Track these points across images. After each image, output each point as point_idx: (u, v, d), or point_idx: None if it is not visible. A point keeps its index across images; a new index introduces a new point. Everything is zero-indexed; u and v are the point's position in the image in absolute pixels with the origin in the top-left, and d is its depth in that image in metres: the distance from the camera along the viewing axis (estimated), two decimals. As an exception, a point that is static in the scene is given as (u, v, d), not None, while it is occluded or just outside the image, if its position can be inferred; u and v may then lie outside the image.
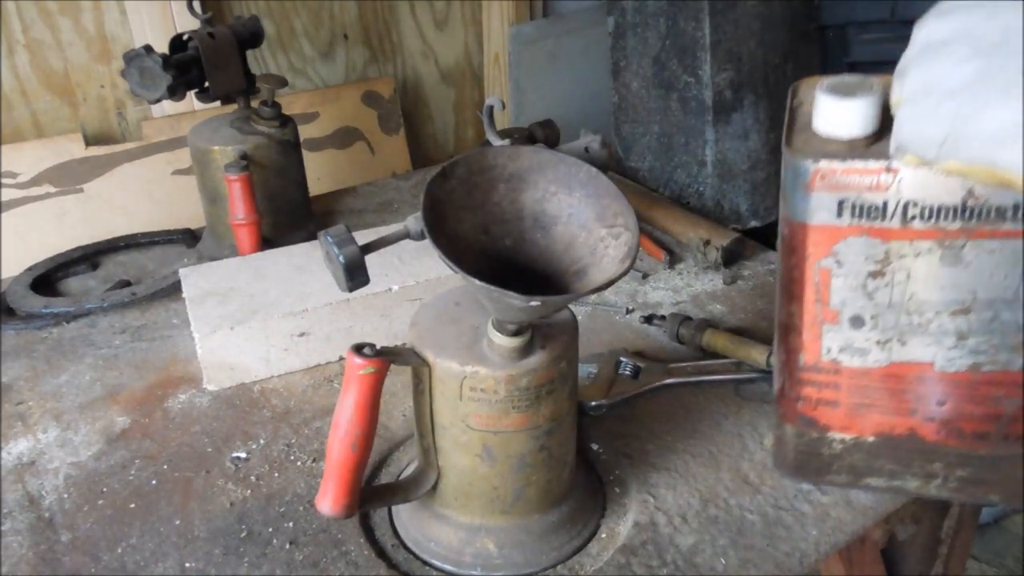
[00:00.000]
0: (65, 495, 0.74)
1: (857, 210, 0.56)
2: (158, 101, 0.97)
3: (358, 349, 0.57)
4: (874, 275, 0.59)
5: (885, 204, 0.56)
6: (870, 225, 0.57)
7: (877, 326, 0.61)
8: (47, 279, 1.06)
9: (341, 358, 0.90)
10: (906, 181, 0.55)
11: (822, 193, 0.56)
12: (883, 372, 0.63)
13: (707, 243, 1.06)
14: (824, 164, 0.55)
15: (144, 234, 1.15)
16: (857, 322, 0.61)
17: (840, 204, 0.56)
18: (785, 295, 0.63)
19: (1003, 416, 0.63)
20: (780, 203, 0.63)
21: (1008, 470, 0.66)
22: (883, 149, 0.55)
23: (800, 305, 0.62)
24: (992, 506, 1.48)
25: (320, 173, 1.39)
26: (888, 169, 0.55)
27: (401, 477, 0.74)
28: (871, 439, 0.66)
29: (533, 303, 0.52)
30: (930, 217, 0.56)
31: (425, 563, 0.66)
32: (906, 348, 0.62)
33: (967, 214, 0.55)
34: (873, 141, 0.56)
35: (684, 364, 0.85)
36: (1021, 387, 0.62)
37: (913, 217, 0.56)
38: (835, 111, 0.55)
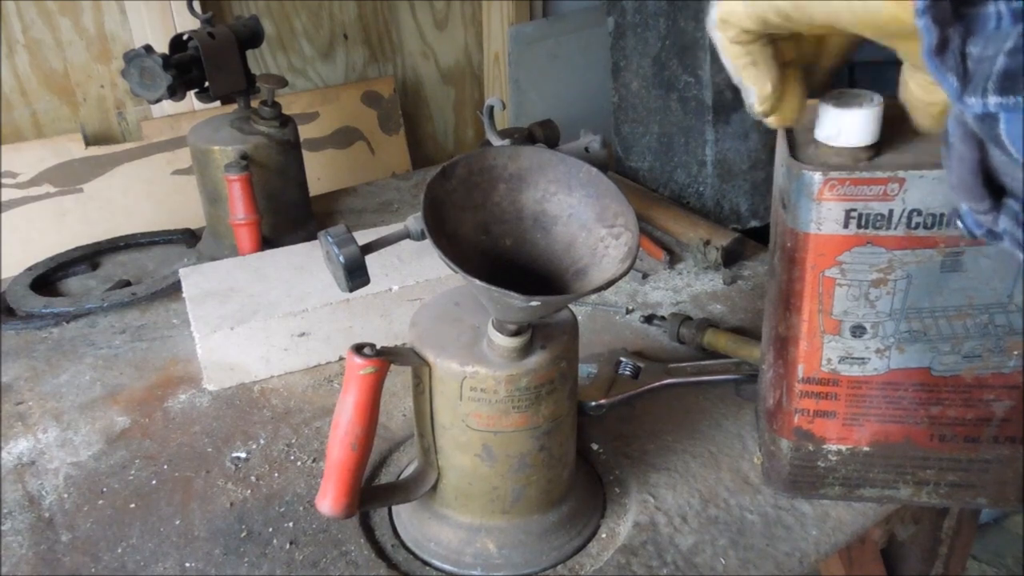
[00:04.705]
0: (65, 495, 0.74)
1: (863, 219, 0.57)
2: (158, 101, 0.97)
3: (358, 349, 0.57)
4: (876, 283, 0.59)
5: (891, 213, 0.57)
6: (875, 234, 0.58)
7: (877, 334, 0.61)
8: (47, 279, 1.06)
9: (341, 358, 0.90)
10: (911, 191, 0.56)
11: (830, 203, 0.57)
12: (881, 380, 0.63)
13: (707, 243, 1.06)
14: (833, 175, 0.56)
15: (144, 234, 1.15)
16: (858, 331, 0.61)
17: (847, 214, 0.57)
18: (783, 307, 0.64)
19: (994, 418, 0.64)
20: (777, 215, 0.63)
21: (996, 473, 0.66)
22: (888, 160, 0.57)
23: (800, 316, 0.62)
24: (981, 509, 1.49)
25: (320, 173, 1.39)
26: (895, 179, 0.55)
27: (401, 477, 0.74)
28: (866, 449, 0.67)
29: (533, 303, 0.52)
30: (932, 225, 0.57)
31: (425, 563, 0.66)
32: (904, 355, 0.62)
33: None
34: (875, 153, 0.57)
35: (684, 364, 0.85)
36: (1012, 389, 0.62)
37: (917, 225, 0.57)
38: (840, 122, 0.56)
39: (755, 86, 0.52)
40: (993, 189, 0.34)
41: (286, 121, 1.06)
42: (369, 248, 0.64)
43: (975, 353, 0.62)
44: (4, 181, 1.18)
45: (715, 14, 0.50)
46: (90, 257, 1.11)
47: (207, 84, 1.02)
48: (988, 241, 0.36)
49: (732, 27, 0.50)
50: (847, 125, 0.56)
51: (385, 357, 0.58)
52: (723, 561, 0.65)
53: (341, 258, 0.62)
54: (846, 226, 0.58)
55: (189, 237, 1.14)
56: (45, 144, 1.21)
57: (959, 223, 0.37)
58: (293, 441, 0.80)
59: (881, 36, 0.45)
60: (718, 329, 0.89)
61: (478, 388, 0.58)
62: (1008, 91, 0.29)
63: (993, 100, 0.30)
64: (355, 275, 0.63)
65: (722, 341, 0.87)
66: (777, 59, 0.52)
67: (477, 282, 0.51)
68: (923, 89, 0.49)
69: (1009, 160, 0.32)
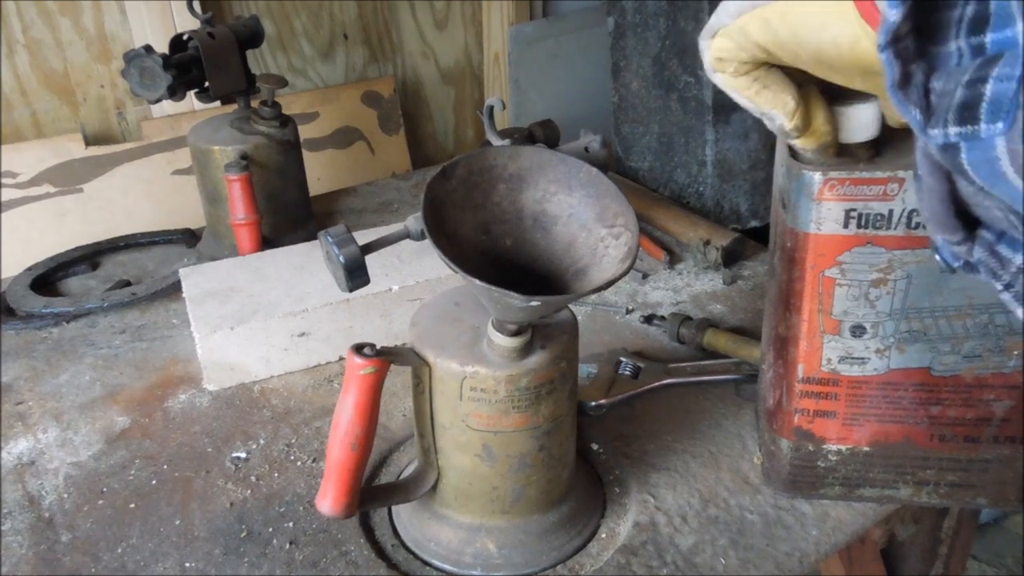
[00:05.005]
0: (65, 495, 0.74)
1: (863, 219, 0.57)
2: (158, 101, 0.97)
3: (358, 349, 0.57)
4: (876, 283, 0.59)
5: (890, 212, 0.57)
6: (875, 234, 0.58)
7: (877, 334, 0.61)
8: (47, 279, 1.06)
9: (341, 358, 0.90)
10: (911, 191, 0.56)
11: (830, 203, 0.57)
12: (881, 380, 0.63)
13: (707, 243, 1.06)
14: (833, 175, 0.56)
15: (144, 234, 1.15)
16: (858, 331, 0.61)
17: (847, 214, 0.57)
18: (783, 307, 0.64)
19: (994, 418, 0.64)
20: (777, 215, 0.63)
21: (996, 473, 0.66)
22: (888, 160, 0.56)
23: (800, 316, 0.62)
24: (981, 509, 1.50)
25: (320, 173, 1.39)
26: (895, 179, 0.55)
27: (401, 477, 0.74)
28: (866, 448, 0.67)
29: (533, 303, 0.52)
30: None
31: (425, 563, 0.66)
32: (904, 355, 0.62)
33: None
34: (874, 153, 0.57)
35: (684, 364, 0.85)
36: (1012, 389, 0.62)
37: (917, 225, 0.57)
38: (839, 118, 0.56)
39: (776, 106, 0.51)
40: (967, 221, 0.35)
41: (286, 121, 1.06)
42: (369, 248, 0.64)
43: (975, 353, 0.62)
44: (4, 181, 1.18)
45: (708, 58, 0.50)
46: (90, 257, 1.11)
47: (207, 84, 1.02)
48: (965, 273, 0.36)
49: (729, 62, 0.49)
50: (847, 121, 0.56)
51: (385, 357, 0.58)
52: (723, 561, 0.65)
53: (341, 258, 0.62)
54: (846, 226, 0.58)
55: (189, 237, 1.14)
56: (45, 144, 1.21)
57: (936, 256, 0.37)
58: (293, 441, 0.80)
59: (867, 79, 0.45)
60: (718, 329, 0.89)
61: (478, 388, 0.58)
62: (966, 121, 0.30)
63: (953, 130, 0.31)
64: (355, 275, 0.63)
65: (722, 341, 0.87)
66: (790, 76, 0.52)
67: (477, 282, 0.51)
68: None
69: (976, 189, 0.32)
